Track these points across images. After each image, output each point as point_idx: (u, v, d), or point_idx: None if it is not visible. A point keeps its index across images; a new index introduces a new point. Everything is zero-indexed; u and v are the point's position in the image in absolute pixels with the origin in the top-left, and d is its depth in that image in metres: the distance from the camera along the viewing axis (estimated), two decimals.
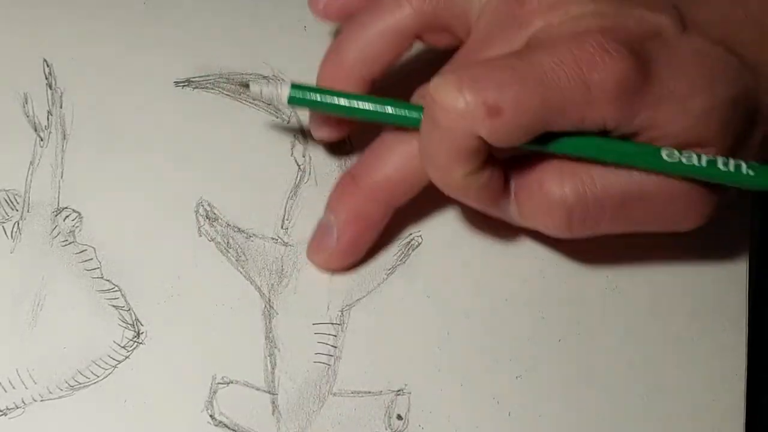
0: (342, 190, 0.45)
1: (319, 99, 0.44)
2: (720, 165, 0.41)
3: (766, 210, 0.50)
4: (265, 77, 0.49)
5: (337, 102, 0.44)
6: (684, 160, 0.40)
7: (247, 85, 0.45)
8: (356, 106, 0.44)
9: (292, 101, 0.44)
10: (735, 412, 0.44)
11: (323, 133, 0.47)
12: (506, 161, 0.42)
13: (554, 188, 0.41)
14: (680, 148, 0.41)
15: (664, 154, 0.41)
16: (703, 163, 0.41)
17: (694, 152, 0.41)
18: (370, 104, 0.44)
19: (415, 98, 0.44)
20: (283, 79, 0.45)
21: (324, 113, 0.46)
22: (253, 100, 0.49)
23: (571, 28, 0.41)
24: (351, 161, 0.48)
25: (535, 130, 0.40)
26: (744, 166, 0.41)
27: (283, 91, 0.44)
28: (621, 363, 0.45)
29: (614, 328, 0.45)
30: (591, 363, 0.45)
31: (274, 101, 0.45)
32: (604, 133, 0.41)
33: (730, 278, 0.47)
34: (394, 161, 0.44)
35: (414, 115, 0.42)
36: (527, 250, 0.46)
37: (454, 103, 0.39)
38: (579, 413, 0.44)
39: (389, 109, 0.43)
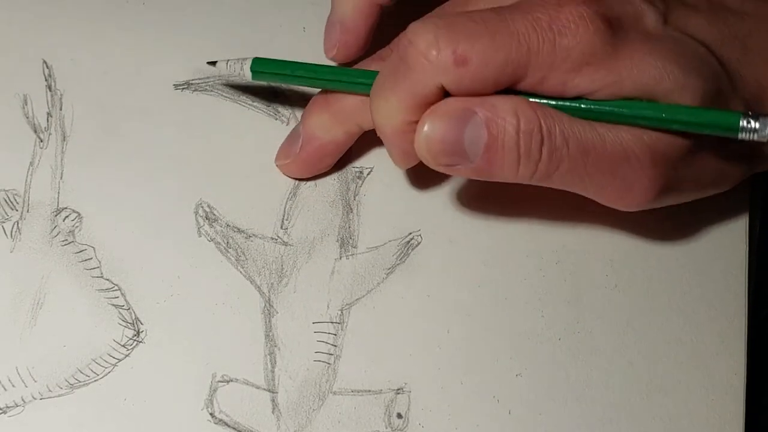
0: (315, 105, 0.47)
1: (279, 71, 0.46)
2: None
3: (766, 210, 0.50)
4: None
5: (297, 73, 0.46)
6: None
7: (213, 63, 0.47)
8: (316, 76, 0.46)
9: (255, 75, 0.46)
10: (735, 412, 0.44)
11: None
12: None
13: (529, 117, 0.41)
14: None
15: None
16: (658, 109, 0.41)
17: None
18: (329, 73, 0.46)
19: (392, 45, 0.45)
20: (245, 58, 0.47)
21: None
22: (252, 102, 0.49)
23: None
24: (349, 161, 0.48)
25: (498, 83, 0.41)
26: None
27: (245, 67, 0.46)
28: (621, 362, 0.45)
29: (614, 327, 0.45)
30: (591, 362, 0.45)
31: (239, 77, 0.47)
32: None
33: (730, 278, 0.47)
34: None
35: (371, 81, 0.44)
36: (527, 248, 0.47)
37: (427, 47, 0.40)
38: (579, 412, 0.44)
39: (348, 77, 0.45)
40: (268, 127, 0.49)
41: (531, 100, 0.41)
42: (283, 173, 0.48)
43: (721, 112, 0.41)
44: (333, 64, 0.48)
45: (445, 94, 0.41)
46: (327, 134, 0.46)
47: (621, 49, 0.40)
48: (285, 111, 0.49)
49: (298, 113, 0.49)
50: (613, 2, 0.41)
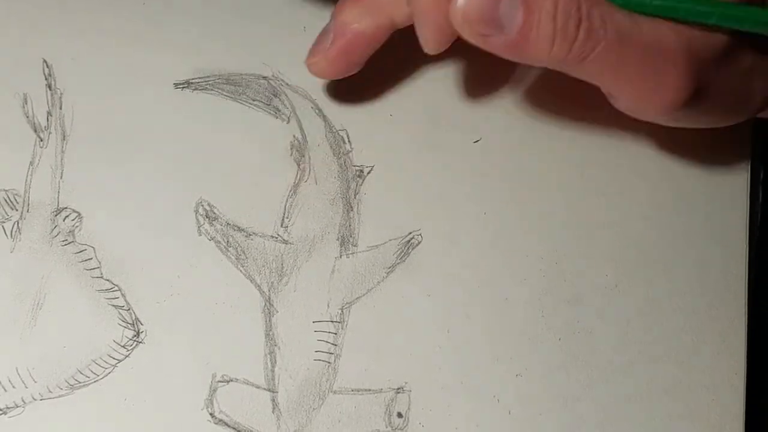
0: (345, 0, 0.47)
1: None
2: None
3: (766, 210, 0.50)
4: (264, 77, 0.49)
5: None
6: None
7: None
8: None
9: None
10: (735, 412, 0.44)
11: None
12: None
13: None
14: None
15: None
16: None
17: None
18: None
19: None
20: None
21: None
22: (253, 101, 0.49)
23: None
24: (350, 160, 0.48)
25: None
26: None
27: None
28: (621, 362, 0.45)
29: (614, 327, 0.45)
30: (591, 362, 0.45)
31: None
32: None
33: (730, 278, 0.47)
34: None
35: None
36: (527, 249, 0.47)
37: None
38: (579, 412, 0.44)
39: None
40: (268, 126, 0.49)
41: None
42: (313, 73, 0.47)
43: (760, 9, 0.41)
44: None
45: None
46: (358, 25, 0.46)
47: None
48: (285, 110, 0.49)
49: (299, 112, 0.49)
50: None
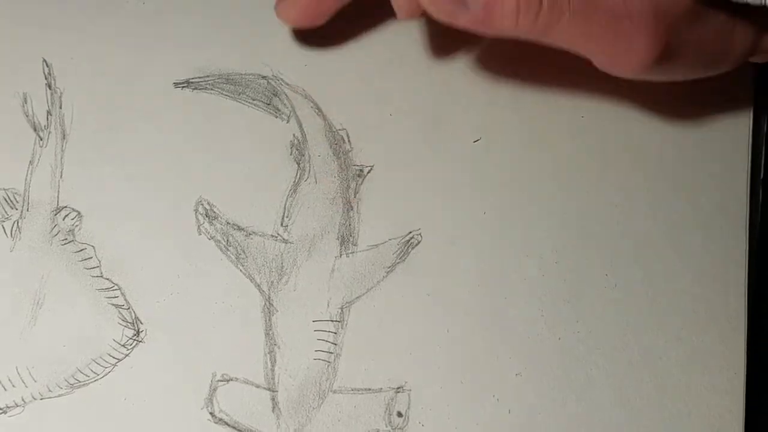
0: None
1: None
2: None
3: (766, 210, 0.50)
4: (264, 77, 0.49)
5: None
6: None
7: None
8: None
9: None
10: (735, 412, 0.44)
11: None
12: None
13: None
14: None
15: None
16: None
17: None
18: None
19: None
20: None
21: None
22: (252, 100, 0.49)
23: None
24: (350, 159, 0.48)
25: None
26: None
27: None
28: (620, 362, 0.45)
29: (614, 327, 0.45)
30: (590, 362, 0.45)
31: None
32: None
33: (730, 278, 0.47)
34: None
35: None
36: (527, 249, 0.47)
37: None
38: (579, 412, 0.44)
39: None
40: (268, 125, 0.49)
41: None
42: (281, 18, 0.48)
43: None
44: None
45: None
46: None
47: None
48: (285, 109, 0.49)
49: (298, 112, 0.49)
50: None
